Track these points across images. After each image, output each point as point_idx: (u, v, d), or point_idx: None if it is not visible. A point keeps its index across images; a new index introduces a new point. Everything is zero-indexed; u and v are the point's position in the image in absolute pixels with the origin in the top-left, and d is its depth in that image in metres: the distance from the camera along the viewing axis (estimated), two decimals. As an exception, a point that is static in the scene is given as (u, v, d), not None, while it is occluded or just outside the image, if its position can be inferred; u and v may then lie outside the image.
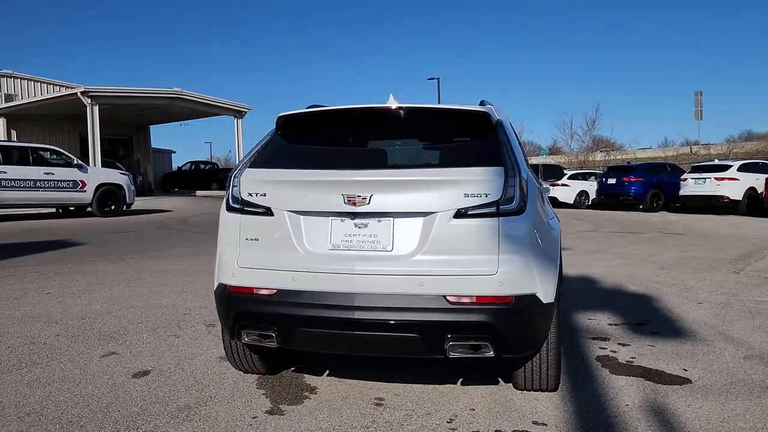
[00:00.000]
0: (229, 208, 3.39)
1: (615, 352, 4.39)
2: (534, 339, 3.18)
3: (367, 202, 3.08)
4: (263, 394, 3.64)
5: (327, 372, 3.99)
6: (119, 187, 18.08)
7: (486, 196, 3.04)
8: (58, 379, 3.89)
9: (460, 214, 3.04)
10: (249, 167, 3.43)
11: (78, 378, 3.92)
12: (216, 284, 3.45)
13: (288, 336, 3.21)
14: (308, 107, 3.90)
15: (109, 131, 29.30)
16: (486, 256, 3.03)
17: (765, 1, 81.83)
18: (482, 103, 3.70)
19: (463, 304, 3.01)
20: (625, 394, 3.55)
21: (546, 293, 3.10)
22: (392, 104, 3.49)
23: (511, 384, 3.68)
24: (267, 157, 3.50)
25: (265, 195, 3.27)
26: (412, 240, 3.08)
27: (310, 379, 3.87)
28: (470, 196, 3.04)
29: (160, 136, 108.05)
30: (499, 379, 3.80)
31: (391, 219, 3.11)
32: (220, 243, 3.46)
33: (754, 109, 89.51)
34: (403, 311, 3.02)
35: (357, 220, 3.15)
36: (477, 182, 3.07)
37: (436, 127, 3.55)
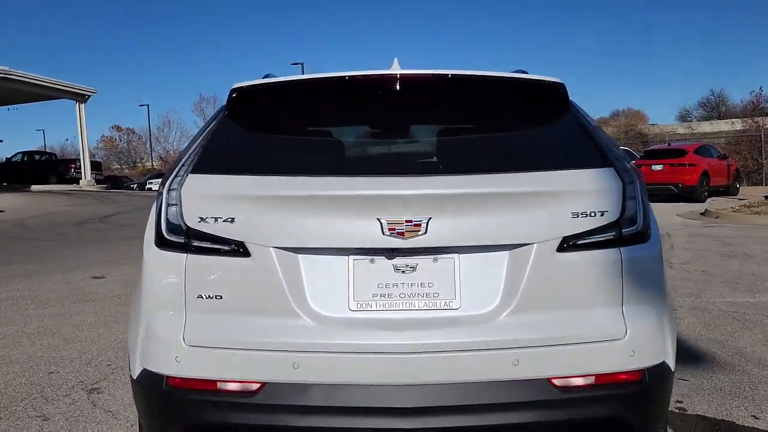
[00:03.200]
0: (163, 243, 2.00)
1: (651, 393, 3.49)
2: (660, 425, 2.14)
3: (422, 231, 1.86)
4: None
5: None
6: (-67, 184, 14.83)
7: (602, 215, 1.95)
8: None
9: (567, 244, 1.92)
10: (194, 172, 2.04)
11: None
12: (138, 371, 2.04)
13: None
14: (265, 77, 2.53)
15: None
16: (607, 309, 1.95)
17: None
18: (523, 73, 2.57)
19: (577, 389, 1.90)
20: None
21: (673, 357, 2.08)
22: (412, 71, 2.26)
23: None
24: (222, 154, 2.15)
25: (233, 221, 1.93)
26: (491, 289, 1.92)
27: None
28: (580, 216, 1.94)
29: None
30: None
31: (455, 257, 1.92)
32: (143, 301, 2.05)
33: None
34: (488, 412, 1.85)
35: (398, 260, 1.91)
36: (587, 193, 1.97)
37: (489, 107, 2.36)
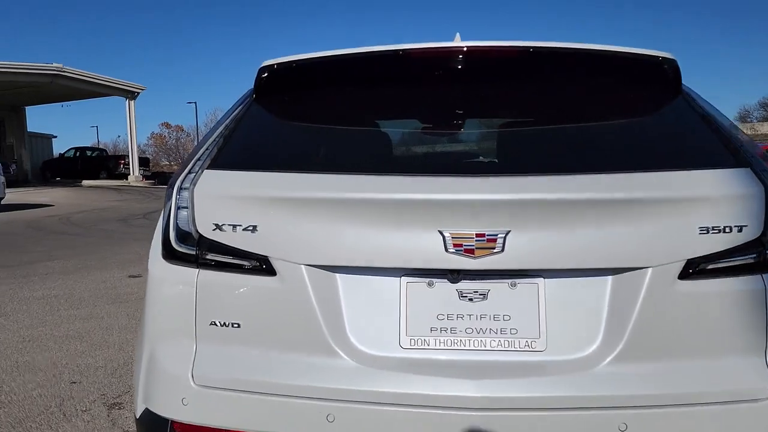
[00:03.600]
0: (171, 255, 1.63)
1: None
2: None
3: (498, 248, 1.43)
4: None
5: None
6: (-15, 178, 15.11)
7: (740, 231, 1.49)
8: None
9: (693, 269, 1.46)
10: (211, 168, 1.65)
11: None
12: (140, 410, 1.67)
13: None
14: None
15: (-24, 112, 25.44)
16: (745, 358, 1.49)
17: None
18: None
19: None
20: None
21: None
22: (483, 43, 1.82)
23: None
24: (247, 146, 1.77)
25: (255, 229, 1.53)
26: (588, 327, 1.48)
27: None
28: (711, 232, 1.47)
29: (39, 118, 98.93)
30: None
31: (539, 282, 1.49)
32: (146, 325, 1.69)
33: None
34: None
35: (465, 284, 1.49)
36: (720, 202, 1.51)
37: (582, 89, 1.89)
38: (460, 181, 1.50)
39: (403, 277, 1.52)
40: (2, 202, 15.79)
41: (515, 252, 1.45)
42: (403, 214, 1.49)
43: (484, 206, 1.46)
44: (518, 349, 1.48)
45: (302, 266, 1.52)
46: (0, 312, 5.42)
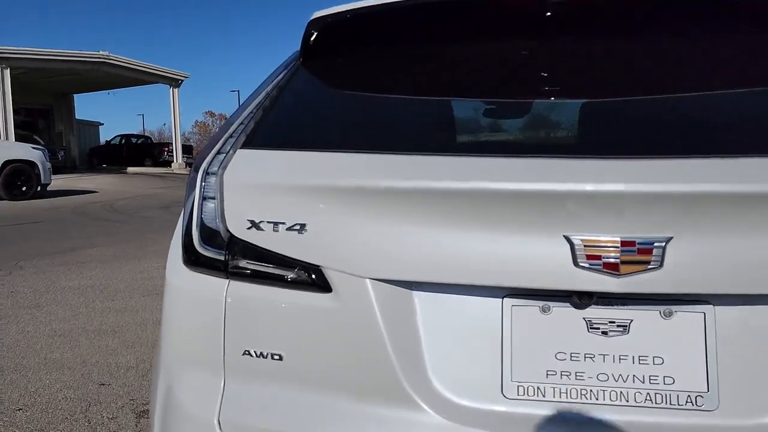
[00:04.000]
0: (194, 261, 1.26)
1: None
2: None
3: (655, 262, 1.00)
4: None
5: None
6: (32, 164, 15.23)
7: None
8: None
9: None
10: (245, 147, 1.27)
11: None
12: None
13: None
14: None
15: (26, 99, 25.88)
16: None
17: None
18: None
19: None
20: None
21: None
22: None
23: None
24: (291, 120, 1.38)
25: (302, 229, 1.14)
26: None
27: None
28: None
29: (86, 105, 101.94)
30: None
31: (706, 310, 1.05)
32: (163, 351, 1.33)
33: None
34: None
35: (596, 311, 1.08)
36: None
37: (750, 41, 1.43)
38: (595, 166, 1.07)
39: (506, 299, 1.11)
40: (48, 188, 15.94)
41: (677, 268, 1.02)
42: (510, 211, 1.08)
43: (633, 201, 1.03)
44: (676, 406, 1.06)
45: (367, 280, 1.13)
46: (34, 303, 5.24)
